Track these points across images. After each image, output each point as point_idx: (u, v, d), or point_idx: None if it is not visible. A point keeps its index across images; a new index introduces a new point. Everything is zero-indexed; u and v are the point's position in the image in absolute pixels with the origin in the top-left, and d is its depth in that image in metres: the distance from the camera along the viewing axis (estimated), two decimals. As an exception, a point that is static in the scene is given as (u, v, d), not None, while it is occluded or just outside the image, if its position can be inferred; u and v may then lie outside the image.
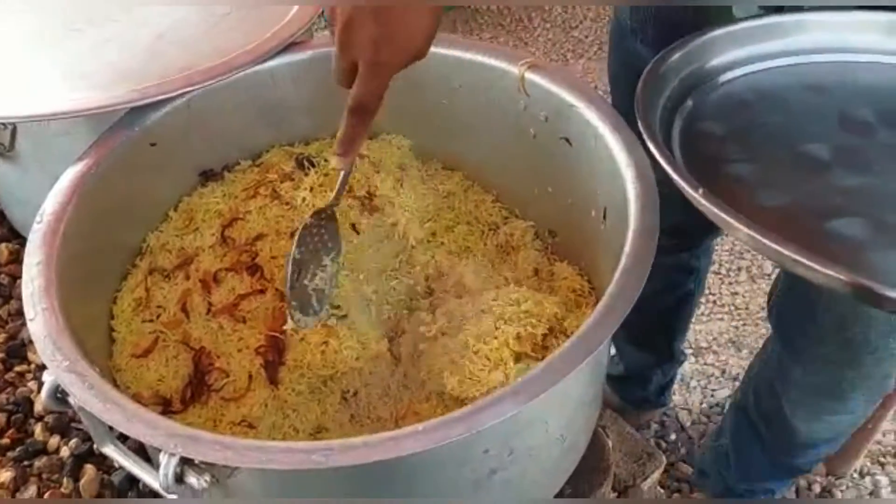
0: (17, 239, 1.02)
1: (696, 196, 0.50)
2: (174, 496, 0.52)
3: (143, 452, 0.64)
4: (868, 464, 1.41)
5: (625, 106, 0.96)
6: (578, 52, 2.69)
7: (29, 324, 0.57)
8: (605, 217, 0.74)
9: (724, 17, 0.73)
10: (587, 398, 0.66)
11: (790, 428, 1.05)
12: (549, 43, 2.74)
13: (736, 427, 1.20)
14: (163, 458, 0.50)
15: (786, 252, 0.45)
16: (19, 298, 0.99)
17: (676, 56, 0.65)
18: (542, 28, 2.82)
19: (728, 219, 0.48)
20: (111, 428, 0.60)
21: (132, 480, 0.82)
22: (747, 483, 1.23)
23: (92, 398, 0.52)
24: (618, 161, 0.69)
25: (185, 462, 0.50)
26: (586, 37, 2.76)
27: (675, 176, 0.52)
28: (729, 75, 0.66)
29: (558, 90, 0.76)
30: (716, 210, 0.48)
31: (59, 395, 0.56)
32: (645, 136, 0.56)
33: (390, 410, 0.71)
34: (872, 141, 0.58)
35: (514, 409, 0.51)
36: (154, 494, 0.80)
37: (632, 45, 0.90)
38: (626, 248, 0.60)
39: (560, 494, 0.80)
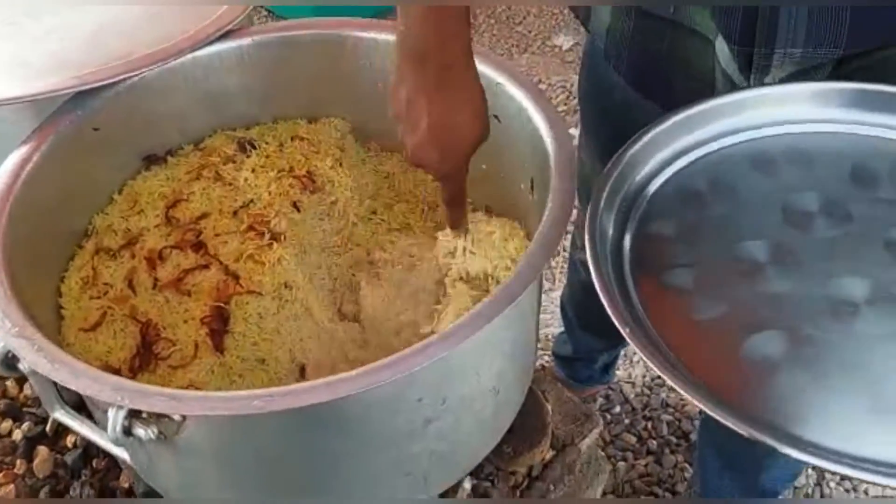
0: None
1: (625, 334, 0.52)
2: (122, 449, 0.55)
3: (93, 419, 0.67)
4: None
5: (593, 124, 1.00)
6: (522, 46, 2.75)
7: (-23, 297, 0.59)
8: (532, 189, 0.79)
9: (702, 47, 0.75)
10: (517, 351, 0.71)
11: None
12: (493, 38, 2.80)
13: (701, 449, 1.23)
14: (111, 413, 0.53)
15: (694, 399, 0.48)
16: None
17: (626, 158, 0.65)
18: (486, 24, 2.87)
19: (651, 362, 0.50)
20: (61, 395, 0.63)
21: (86, 460, 0.84)
22: None
23: (41, 359, 0.55)
24: (542, 135, 0.74)
25: (133, 415, 0.53)
26: (530, 31, 2.82)
27: (609, 310, 0.53)
28: (682, 162, 0.67)
29: (485, 69, 0.80)
30: (640, 351, 0.51)
31: (9, 362, 0.58)
32: (590, 264, 0.57)
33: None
34: (810, 236, 0.59)
35: (441, 353, 0.55)
36: (109, 470, 0.83)
37: (604, 69, 0.90)
38: (546, 212, 0.66)
39: (499, 452, 0.84)
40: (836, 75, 0.71)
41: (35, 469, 0.82)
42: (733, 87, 0.73)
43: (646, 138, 0.66)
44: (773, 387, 0.51)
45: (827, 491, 1.40)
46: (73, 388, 0.53)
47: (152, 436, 0.53)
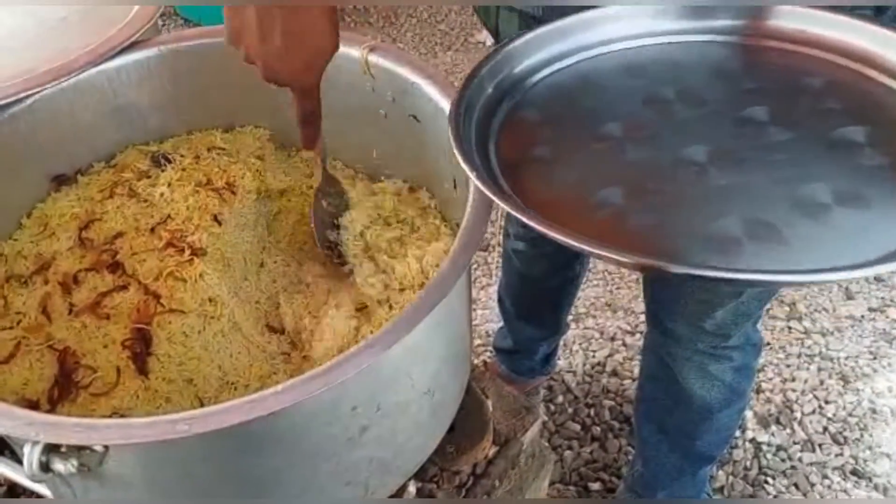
0: None
1: (471, 177, 0.57)
2: (42, 486, 0.53)
3: (15, 456, 0.63)
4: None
5: None
6: (446, 44, 2.76)
7: None
8: (455, 186, 0.79)
9: None
10: (449, 351, 0.70)
11: (686, 395, 1.12)
12: (416, 38, 2.80)
13: (640, 426, 1.26)
14: (26, 449, 0.50)
15: (550, 233, 0.52)
16: None
17: (502, 52, 0.69)
18: (408, 24, 2.87)
19: (515, 213, 0.54)
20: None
21: (15, 496, 0.80)
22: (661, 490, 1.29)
23: (-54, 399, 0.52)
24: (461, 131, 0.74)
25: (51, 450, 0.51)
26: (452, 29, 2.83)
27: (476, 181, 0.57)
28: (556, 66, 0.71)
29: (400, 70, 0.80)
30: (507, 207, 0.55)
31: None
32: (450, 126, 0.61)
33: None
34: (665, 117, 0.65)
35: (370, 360, 0.54)
36: None
37: None
38: (467, 208, 0.65)
39: (441, 452, 0.84)
40: None
41: (-44, 512, 0.78)
42: None
43: (523, 39, 0.71)
44: (626, 226, 0.55)
45: (764, 462, 1.45)
46: (-19, 426, 0.51)
47: (73, 469, 0.51)
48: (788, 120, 0.63)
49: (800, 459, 1.45)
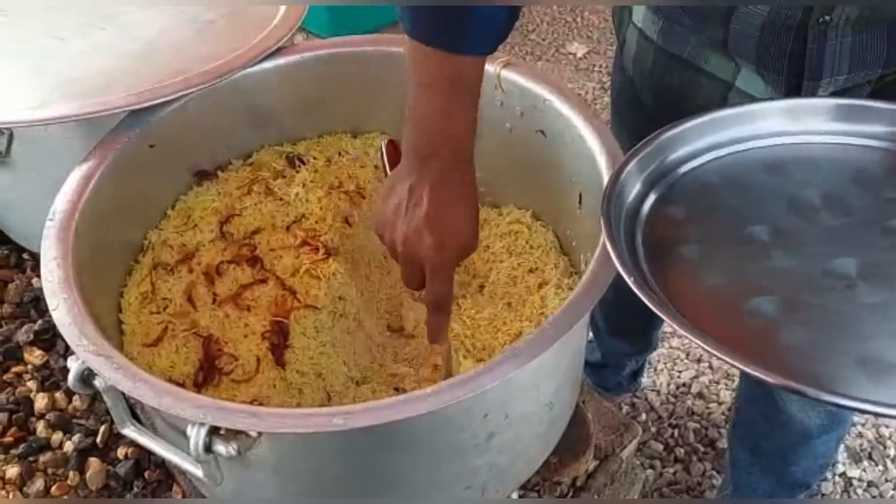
0: (8, 244, 1.04)
1: (629, 282, 0.55)
2: (199, 466, 0.56)
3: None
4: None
5: (625, 127, 1.03)
6: (536, 54, 2.76)
7: (53, 314, 0.60)
8: (580, 203, 0.80)
9: (711, 87, 0.78)
10: (570, 367, 0.72)
11: (784, 418, 1.10)
12: (507, 46, 2.81)
13: (733, 448, 1.24)
14: (192, 430, 0.54)
15: (700, 343, 0.51)
16: (12, 302, 1.01)
17: (643, 153, 0.68)
18: (500, 32, 2.89)
19: (653, 307, 0.54)
20: (132, 411, 0.64)
21: (137, 471, 0.85)
22: None
23: (122, 377, 0.55)
24: (592, 148, 0.75)
25: (213, 432, 0.54)
26: (543, 39, 2.84)
27: (616, 263, 0.57)
28: (695, 162, 0.70)
29: (532, 86, 0.82)
30: (643, 298, 0.54)
31: (84, 379, 0.59)
32: (602, 220, 0.60)
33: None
34: (812, 224, 0.63)
35: (512, 372, 0.56)
36: (161, 482, 0.84)
37: (629, 91, 0.93)
38: (602, 243, 0.66)
39: (546, 463, 0.85)
40: (874, 90, 0.74)
41: (88, 481, 0.83)
42: None
43: (677, 129, 0.69)
44: (777, 341, 0.53)
45: (854, 497, 1.41)
46: (154, 405, 0.54)
47: (233, 452, 0.54)
48: None
49: (892, 497, 1.41)
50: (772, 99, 0.75)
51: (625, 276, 0.55)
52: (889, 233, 0.61)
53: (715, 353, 0.50)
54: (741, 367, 0.49)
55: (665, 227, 0.64)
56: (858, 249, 0.59)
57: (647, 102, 0.90)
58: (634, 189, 0.66)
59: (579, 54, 2.77)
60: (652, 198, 0.66)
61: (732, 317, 0.55)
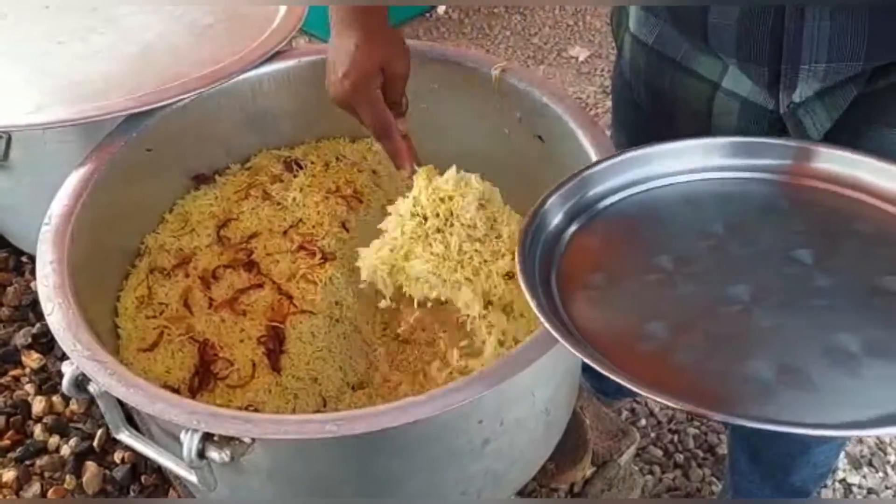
0: (7, 248, 1.04)
1: (532, 306, 0.58)
2: (192, 473, 0.56)
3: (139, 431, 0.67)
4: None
5: (625, 130, 1.03)
6: (538, 58, 2.76)
7: (47, 318, 0.60)
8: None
9: (699, 88, 0.80)
10: (568, 374, 0.72)
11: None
12: (509, 50, 2.81)
13: (733, 454, 1.24)
14: (185, 436, 0.54)
15: (592, 363, 0.55)
16: (10, 306, 1.01)
17: (567, 187, 0.71)
18: (502, 36, 2.89)
19: (553, 331, 0.56)
20: (127, 415, 0.64)
21: (133, 475, 0.85)
22: None
23: (115, 383, 0.55)
24: (589, 154, 0.75)
25: (206, 438, 0.54)
26: (545, 43, 2.84)
27: (524, 288, 0.60)
28: (616, 197, 0.73)
29: (531, 90, 0.82)
30: (544, 322, 0.57)
31: (79, 384, 0.59)
32: (521, 280, 0.61)
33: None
34: (716, 252, 0.66)
35: (506, 378, 0.56)
36: (157, 486, 0.84)
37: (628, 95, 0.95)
38: None
39: (543, 469, 0.85)
40: (864, 95, 0.74)
41: (84, 485, 0.83)
42: (748, 118, 0.79)
43: (601, 166, 0.72)
44: (667, 362, 0.56)
45: (854, 503, 1.41)
46: (147, 411, 0.54)
47: (226, 458, 0.54)
48: (831, 265, 0.62)
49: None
50: (708, 130, 0.81)
51: (530, 301, 0.58)
52: (791, 262, 0.63)
53: (611, 376, 0.53)
54: (635, 389, 0.52)
55: (580, 256, 0.67)
56: (757, 277, 0.61)
57: (643, 105, 0.90)
58: (556, 220, 0.69)
59: (581, 58, 2.77)
60: (572, 229, 0.69)
61: (628, 341, 0.58)
